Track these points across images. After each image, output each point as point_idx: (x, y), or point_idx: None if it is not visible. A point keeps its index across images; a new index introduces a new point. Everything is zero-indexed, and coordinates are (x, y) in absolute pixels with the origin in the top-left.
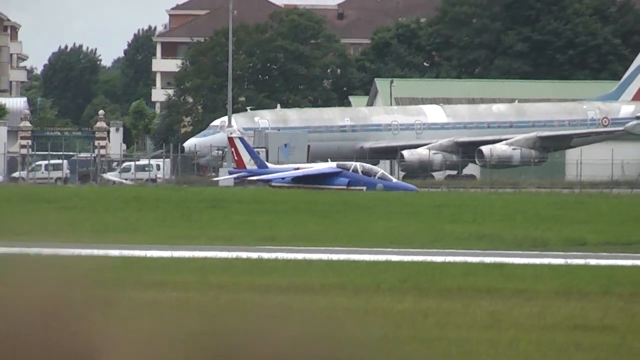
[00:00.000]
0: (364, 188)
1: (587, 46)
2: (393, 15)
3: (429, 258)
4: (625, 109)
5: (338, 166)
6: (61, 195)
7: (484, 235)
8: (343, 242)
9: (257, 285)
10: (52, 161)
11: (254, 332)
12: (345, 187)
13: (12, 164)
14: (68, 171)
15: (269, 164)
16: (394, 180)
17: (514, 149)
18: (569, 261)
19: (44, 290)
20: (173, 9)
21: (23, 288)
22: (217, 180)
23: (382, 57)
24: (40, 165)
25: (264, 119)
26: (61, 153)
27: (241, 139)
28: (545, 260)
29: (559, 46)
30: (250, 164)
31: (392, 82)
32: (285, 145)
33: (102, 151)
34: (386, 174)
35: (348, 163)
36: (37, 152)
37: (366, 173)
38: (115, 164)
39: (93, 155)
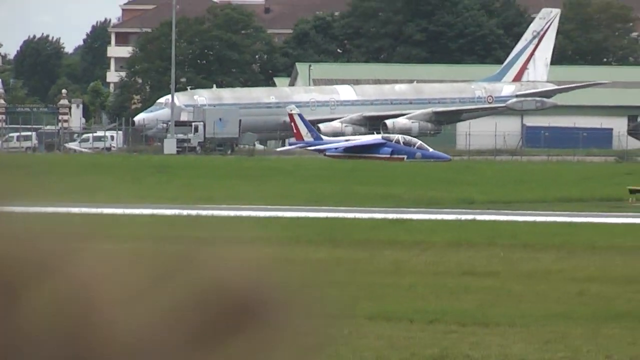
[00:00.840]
0: (405, 157)
1: (475, 36)
2: (312, 9)
3: (340, 215)
4: (507, 89)
5: (383, 138)
6: (30, 162)
7: (388, 195)
8: (269, 202)
9: (194, 238)
10: (23, 133)
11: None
12: (389, 155)
13: None
14: (36, 142)
15: (323, 137)
16: (431, 150)
17: (412, 122)
18: (460, 217)
19: (22, 243)
20: (125, 4)
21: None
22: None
23: (302, 45)
24: (13, 136)
25: (202, 97)
26: (30, 126)
27: (300, 115)
28: (440, 217)
29: (451, 36)
30: (307, 137)
31: (310, 66)
32: (220, 119)
33: (65, 124)
34: (424, 144)
35: (392, 135)
36: (10, 126)
37: (407, 144)
38: (75, 135)
39: (57, 128)
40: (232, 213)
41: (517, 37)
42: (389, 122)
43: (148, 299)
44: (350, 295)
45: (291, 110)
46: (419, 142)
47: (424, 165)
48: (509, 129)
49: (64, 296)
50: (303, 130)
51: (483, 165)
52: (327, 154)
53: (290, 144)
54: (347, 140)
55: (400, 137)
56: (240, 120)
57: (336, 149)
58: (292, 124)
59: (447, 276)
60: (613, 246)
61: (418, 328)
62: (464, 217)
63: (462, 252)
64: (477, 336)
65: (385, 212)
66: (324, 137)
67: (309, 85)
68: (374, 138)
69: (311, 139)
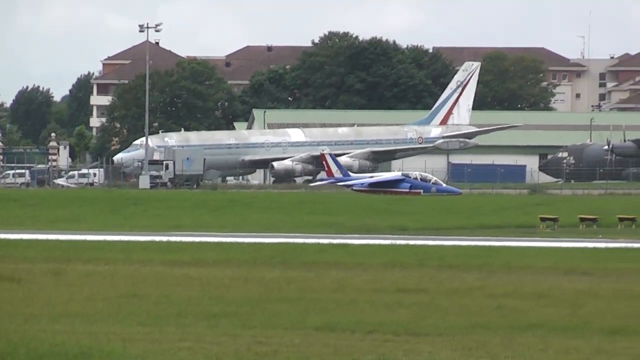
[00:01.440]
0: (422, 191)
1: (407, 85)
2: (266, 63)
3: (291, 240)
4: (435, 131)
5: (402, 175)
6: (24, 196)
7: (332, 223)
8: (229, 229)
9: (166, 261)
10: (18, 171)
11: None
12: (408, 190)
13: None
14: (29, 178)
15: (350, 174)
16: (444, 185)
17: (353, 160)
18: (394, 242)
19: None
20: (105, 59)
21: None
22: (138, 184)
23: (257, 94)
24: (9, 174)
25: (172, 139)
26: (24, 165)
27: (331, 155)
28: (377, 242)
29: (386, 85)
30: (337, 174)
31: (265, 112)
32: (187, 158)
33: (54, 163)
34: (438, 180)
35: (411, 172)
36: (6, 164)
37: (423, 179)
38: (63, 172)
39: (47, 166)
40: (197, 239)
41: (444, 87)
42: (342, 158)
43: None
44: (300, 310)
45: (323, 151)
46: (434, 179)
47: (363, 196)
48: (436, 166)
49: None
50: (333, 168)
51: (414, 197)
52: (354, 188)
53: (321, 180)
54: (371, 177)
55: (418, 174)
56: (204, 159)
57: (362, 184)
58: (324, 162)
59: (383, 293)
60: (526, 266)
61: (358, 337)
62: (397, 241)
63: (396, 272)
64: (409, 344)
65: (330, 238)
66: (351, 174)
67: (264, 128)
68: (395, 175)
69: (340, 176)
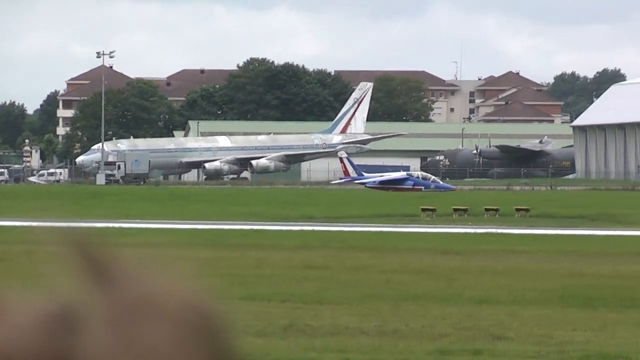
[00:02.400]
0: (423, 187)
1: (313, 101)
2: (199, 83)
3: (220, 226)
4: (336, 138)
5: (407, 174)
6: (3, 191)
7: (253, 213)
8: (171, 217)
9: (118, 244)
10: None
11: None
12: (412, 186)
13: None
14: (7, 176)
15: (364, 174)
16: (441, 183)
17: (270, 162)
18: (303, 228)
19: None
20: (69, 80)
21: None
22: (95, 181)
23: (192, 108)
24: None
25: (123, 145)
26: (3, 165)
27: (348, 159)
28: (288, 228)
29: (297, 102)
30: (353, 174)
31: (198, 123)
32: (136, 160)
33: (28, 164)
34: (437, 179)
35: (414, 172)
36: None
37: (424, 178)
38: (35, 171)
39: (22, 166)
40: (144, 226)
41: (343, 102)
42: (254, 162)
43: None
44: (227, 283)
45: (341, 155)
46: (432, 177)
47: (278, 191)
48: (337, 166)
49: None
50: (350, 169)
51: (319, 191)
52: (367, 185)
53: (340, 179)
54: (381, 176)
55: (420, 173)
56: (149, 161)
57: (374, 182)
58: (342, 165)
59: (294, 269)
60: (410, 248)
61: (273, 306)
62: (306, 228)
63: (304, 252)
64: (315, 311)
65: (252, 225)
66: (365, 174)
67: (198, 136)
68: (400, 174)
69: (355, 175)
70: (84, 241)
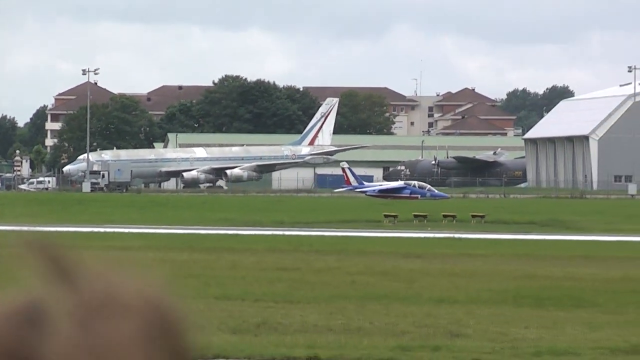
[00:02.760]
0: (419, 196)
1: (283, 115)
2: (178, 98)
3: (196, 231)
4: (305, 150)
5: (405, 184)
6: None
7: (227, 218)
8: (151, 223)
9: (102, 247)
10: None
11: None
12: (409, 194)
13: None
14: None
15: (365, 183)
16: (436, 191)
17: (244, 172)
18: (274, 233)
19: None
20: (57, 95)
21: None
22: (81, 189)
23: (171, 122)
24: None
25: (107, 155)
26: None
27: (349, 169)
28: (261, 232)
29: (268, 115)
30: (354, 183)
31: (177, 135)
32: (119, 169)
33: (18, 173)
34: (432, 188)
35: (410, 182)
36: None
37: (420, 187)
38: (25, 179)
39: (13, 175)
40: (126, 230)
41: (311, 116)
42: (228, 172)
43: None
44: (203, 283)
45: (343, 166)
46: (428, 187)
47: (251, 199)
48: (306, 176)
49: None
50: (352, 179)
51: (289, 199)
52: (367, 194)
53: (342, 187)
54: (380, 185)
55: (416, 183)
56: (131, 170)
57: (374, 191)
58: (344, 175)
59: (266, 271)
60: (374, 251)
61: (247, 304)
62: (276, 232)
63: (276, 255)
64: (285, 310)
65: (225, 230)
66: (365, 183)
67: (176, 147)
68: (398, 184)
69: (357, 184)
70: (47, 244)
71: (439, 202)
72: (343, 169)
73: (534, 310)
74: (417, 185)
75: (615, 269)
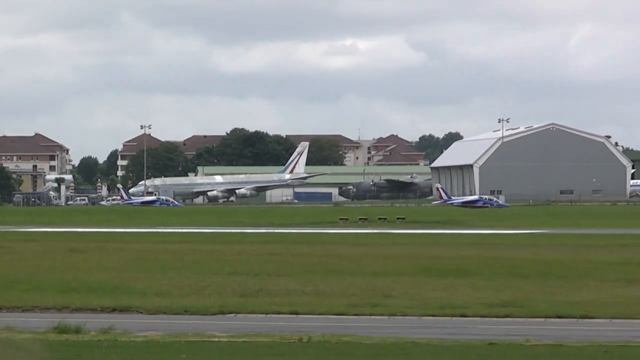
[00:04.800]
0: (489, 205)
1: (273, 154)
2: (203, 143)
3: (216, 230)
4: (287, 176)
5: (479, 197)
6: (85, 210)
7: (237, 221)
8: (186, 225)
9: (157, 241)
10: (82, 197)
11: (154, 258)
12: (482, 205)
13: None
14: (87, 201)
15: (452, 197)
16: (501, 202)
17: (247, 190)
18: (267, 230)
19: None
20: (124, 142)
21: None
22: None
23: (200, 159)
24: (77, 198)
25: (157, 181)
26: (84, 194)
27: (442, 188)
28: (258, 230)
29: (262, 154)
30: (444, 197)
31: (203, 168)
32: (165, 190)
33: (99, 194)
34: (498, 200)
35: (483, 196)
36: (76, 194)
37: (489, 199)
38: (104, 198)
39: (96, 195)
40: (169, 230)
41: (291, 154)
42: (237, 191)
43: None
44: (221, 264)
45: (437, 186)
46: (495, 199)
47: (254, 207)
48: (288, 193)
49: None
50: (443, 195)
51: (277, 208)
52: (454, 204)
53: (434, 202)
54: (462, 198)
55: (487, 197)
56: (173, 191)
57: (458, 202)
58: (438, 192)
59: (262, 255)
60: (332, 241)
61: (250, 278)
62: (269, 230)
63: (268, 245)
64: (275, 281)
65: (235, 229)
66: (452, 197)
67: (203, 175)
68: (474, 197)
69: (446, 198)
70: None
71: (375, 208)
72: (437, 188)
73: (438, 279)
74: (487, 198)
75: (491, 251)
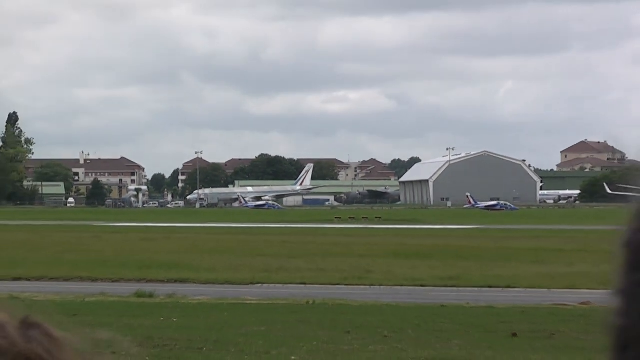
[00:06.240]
0: (504, 209)
1: (287, 172)
2: (238, 164)
3: (247, 225)
4: (298, 187)
5: (498, 202)
6: (155, 211)
7: (262, 219)
8: (225, 222)
9: (202, 232)
10: (153, 202)
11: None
12: (499, 208)
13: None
14: (158, 204)
15: (478, 202)
16: (513, 206)
17: (269, 199)
18: (283, 226)
19: None
20: (184, 163)
21: None
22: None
23: (236, 175)
24: (149, 203)
25: (206, 191)
26: (155, 200)
27: (471, 196)
28: (277, 226)
29: (280, 172)
30: (472, 202)
31: (239, 182)
32: (211, 198)
33: (167, 199)
34: (510, 204)
35: (500, 201)
36: (150, 200)
37: (505, 204)
38: (169, 203)
39: (164, 200)
40: (215, 225)
41: (300, 172)
42: (263, 198)
43: None
44: (250, 250)
45: (468, 194)
46: (509, 204)
47: (274, 210)
48: (298, 199)
49: None
50: (472, 201)
51: (290, 210)
52: (480, 208)
53: (465, 207)
54: (486, 203)
55: (503, 203)
56: (217, 198)
57: (482, 206)
58: (467, 199)
59: (280, 243)
60: (327, 234)
61: (271, 258)
62: (284, 226)
63: (284, 235)
64: (290, 261)
65: (260, 224)
66: (479, 203)
67: (238, 187)
68: (494, 202)
69: (474, 203)
70: None
71: (360, 210)
72: (467, 196)
73: (404, 260)
74: (503, 203)
75: (444, 241)
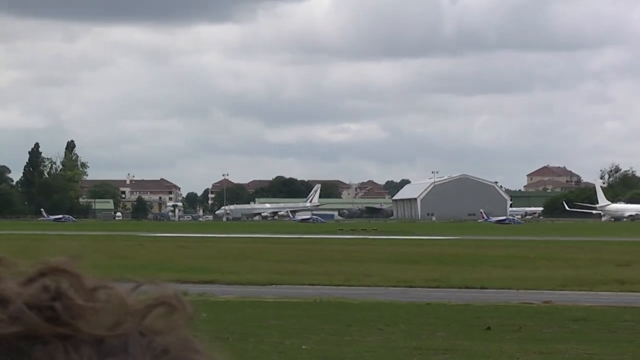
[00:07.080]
0: (512, 222)
1: (299, 191)
2: (259, 186)
3: (267, 236)
4: (308, 204)
5: (506, 217)
6: (219, 224)
7: (279, 230)
8: (248, 232)
9: (237, 241)
10: (187, 216)
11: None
12: (508, 222)
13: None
14: (191, 218)
15: (490, 216)
16: (518, 220)
17: (285, 212)
18: (297, 236)
19: None
20: (213, 183)
21: None
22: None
23: (257, 194)
24: (183, 217)
25: (232, 207)
26: (189, 214)
27: (485, 212)
28: (291, 236)
29: (293, 191)
30: (487, 216)
31: (258, 199)
32: (236, 213)
33: (198, 214)
34: (517, 218)
35: (509, 216)
36: (185, 214)
37: (512, 218)
38: (200, 217)
39: (196, 214)
40: (238, 235)
41: (309, 191)
42: (279, 213)
43: None
44: (269, 255)
45: (481, 210)
46: (515, 218)
47: (288, 222)
48: (308, 215)
49: None
50: (485, 216)
51: (302, 224)
52: (492, 222)
53: (479, 221)
54: (497, 218)
55: (511, 217)
56: (241, 213)
57: (493, 220)
58: (481, 214)
59: (295, 250)
60: (334, 242)
61: (288, 263)
62: (299, 236)
63: (299, 244)
64: (304, 264)
65: (277, 235)
66: (490, 217)
67: (258, 204)
68: (503, 217)
69: (486, 218)
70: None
71: (359, 223)
72: (481, 212)
73: (397, 265)
74: (510, 217)
75: (430, 249)
